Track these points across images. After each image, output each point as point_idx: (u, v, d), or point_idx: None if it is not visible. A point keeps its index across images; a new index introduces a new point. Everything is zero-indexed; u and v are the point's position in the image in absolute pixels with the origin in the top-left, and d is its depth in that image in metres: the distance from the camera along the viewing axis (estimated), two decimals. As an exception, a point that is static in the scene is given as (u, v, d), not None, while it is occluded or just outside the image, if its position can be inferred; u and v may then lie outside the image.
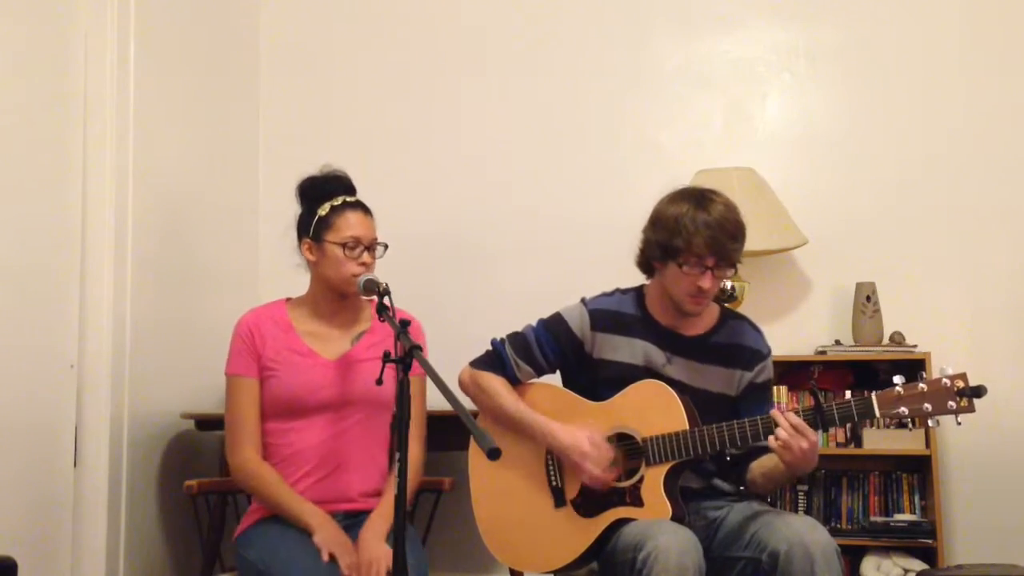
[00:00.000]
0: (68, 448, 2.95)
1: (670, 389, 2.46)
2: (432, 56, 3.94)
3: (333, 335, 2.66)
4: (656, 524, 2.30)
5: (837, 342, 3.51)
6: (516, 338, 2.65)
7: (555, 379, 2.69)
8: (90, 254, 3.02)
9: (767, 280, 3.59)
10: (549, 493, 2.56)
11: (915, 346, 3.39)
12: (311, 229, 2.62)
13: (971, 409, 2.26)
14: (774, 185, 3.51)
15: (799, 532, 2.24)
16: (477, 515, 2.66)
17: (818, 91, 3.73)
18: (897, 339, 3.41)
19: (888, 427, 3.33)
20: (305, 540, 2.42)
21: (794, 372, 3.48)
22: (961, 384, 2.26)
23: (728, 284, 3.36)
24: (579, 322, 2.58)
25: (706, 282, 2.43)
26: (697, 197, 2.46)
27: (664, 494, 2.40)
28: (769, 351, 2.62)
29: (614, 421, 2.50)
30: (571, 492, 2.54)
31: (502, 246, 3.80)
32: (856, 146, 3.66)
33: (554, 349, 2.61)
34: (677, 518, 2.37)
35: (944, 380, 2.27)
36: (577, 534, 2.49)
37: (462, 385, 2.65)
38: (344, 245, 2.58)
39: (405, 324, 2.24)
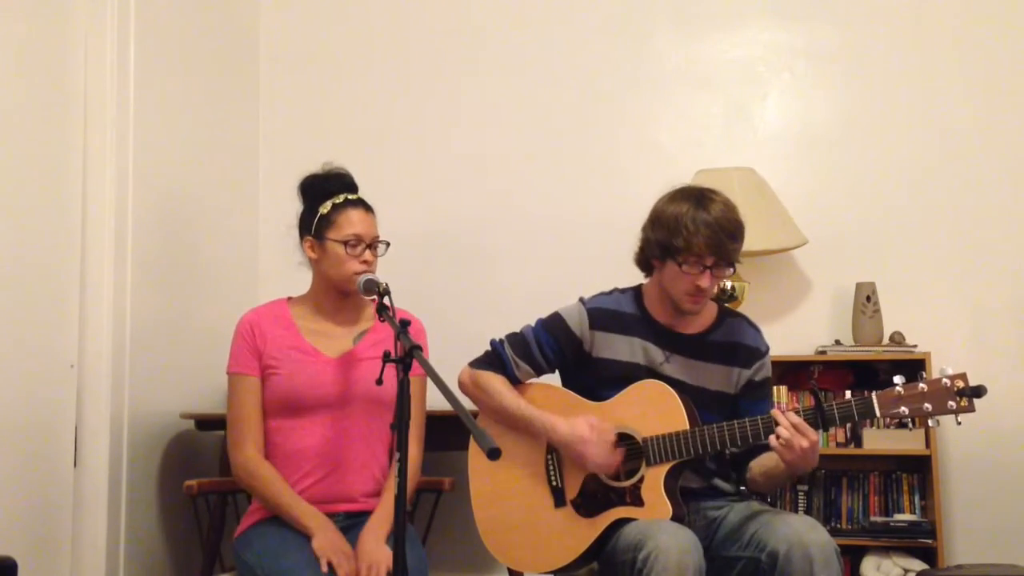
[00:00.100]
0: (68, 448, 2.95)
1: (670, 389, 2.47)
2: (432, 56, 3.94)
3: (336, 333, 2.66)
4: (656, 524, 2.30)
5: (837, 342, 3.51)
6: (515, 338, 2.66)
7: (554, 379, 2.69)
8: (90, 254, 3.02)
9: (767, 280, 3.60)
10: (549, 493, 2.56)
11: (915, 346, 3.39)
12: (313, 227, 2.62)
13: (971, 409, 2.27)
14: (774, 185, 3.51)
15: (798, 532, 2.24)
16: (477, 515, 2.65)
17: (818, 91, 3.73)
18: (897, 339, 3.41)
19: (888, 427, 3.33)
20: (305, 544, 2.42)
21: (794, 372, 3.48)
22: (961, 384, 2.26)
23: (728, 284, 3.37)
24: (578, 321, 2.59)
25: (705, 281, 2.43)
26: (697, 196, 2.46)
27: (664, 494, 2.40)
28: (767, 349, 2.62)
29: (614, 421, 2.50)
30: (571, 492, 2.54)
31: (502, 246, 3.80)
32: (856, 146, 3.66)
33: (553, 348, 2.61)
34: (677, 518, 2.38)
35: (944, 380, 2.27)
36: (577, 534, 2.49)
37: (462, 385, 2.65)
38: (346, 243, 2.58)
39: (405, 324, 2.24)
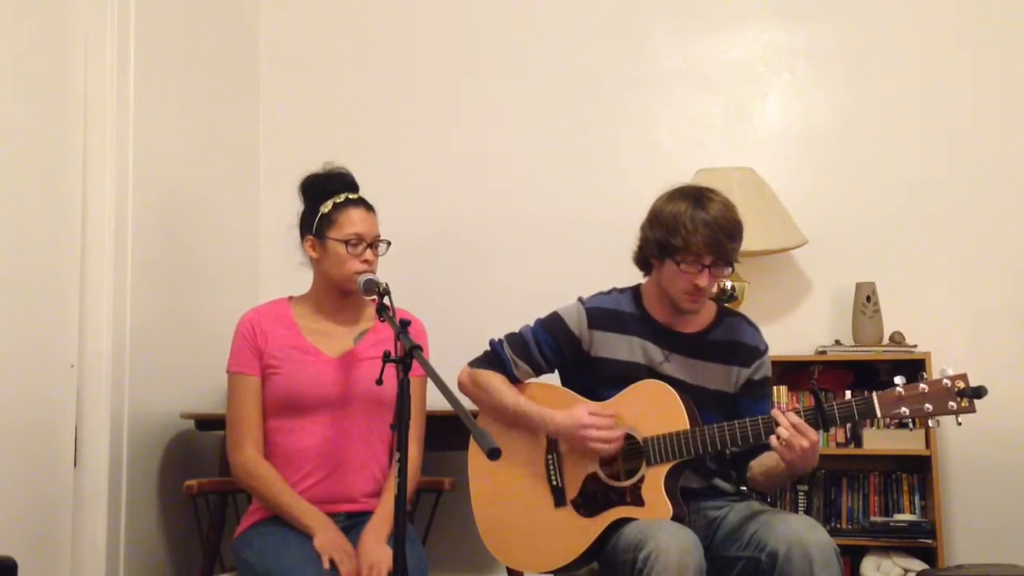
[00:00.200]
0: (68, 448, 2.95)
1: (671, 389, 2.47)
2: (431, 56, 3.94)
3: (336, 332, 2.66)
4: (657, 524, 2.30)
5: (837, 342, 3.51)
6: (514, 338, 2.66)
7: (554, 379, 2.69)
8: (90, 254, 3.02)
9: (767, 280, 3.60)
10: (549, 493, 2.56)
11: (915, 346, 3.39)
12: (314, 226, 2.62)
13: (972, 409, 2.27)
14: (774, 185, 3.51)
15: (798, 532, 2.24)
16: (477, 515, 2.65)
17: (818, 91, 3.73)
18: (897, 339, 3.41)
19: (888, 427, 3.33)
20: (305, 543, 2.42)
21: (794, 372, 3.48)
22: (962, 384, 2.26)
23: (728, 284, 3.37)
24: (577, 320, 2.59)
25: (703, 280, 2.44)
26: (695, 196, 2.46)
27: (665, 494, 2.40)
28: (766, 348, 2.62)
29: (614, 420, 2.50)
30: (571, 492, 2.54)
31: (502, 246, 3.80)
32: (856, 146, 3.66)
33: (552, 348, 2.61)
34: (677, 518, 2.38)
35: (945, 381, 2.27)
36: (577, 534, 2.49)
37: (461, 385, 2.65)
38: (347, 242, 2.58)
39: (405, 324, 2.24)
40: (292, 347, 2.61)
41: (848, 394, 3.32)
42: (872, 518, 3.35)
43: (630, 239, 2.60)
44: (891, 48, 3.68)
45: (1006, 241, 3.53)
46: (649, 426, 2.46)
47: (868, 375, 3.43)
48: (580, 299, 2.64)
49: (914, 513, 3.35)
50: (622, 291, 2.65)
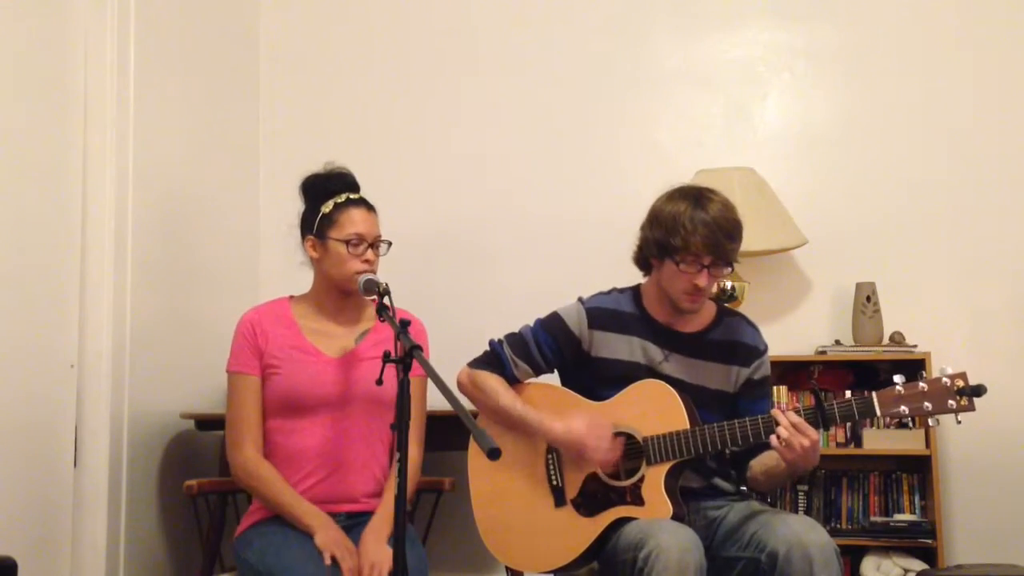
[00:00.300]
0: (68, 448, 2.95)
1: (671, 388, 2.47)
2: (431, 56, 3.94)
3: (337, 332, 2.66)
4: (657, 523, 2.30)
5: (837, 342, 3.51)
6: (514, 338, 2.66)
7: (554, 379, 2.69)
8: (90, 254, 3.02)
9: (767, 280, 3.60)
10: (549, 493, 2.56)
11: (915, 346, 3.39)
12: (315, 226, 2.62)
13: (971, 408, 2.27)
14: (774, 185, 3.51)
15: (798, 533, 2.24)
16: (477, 516, 2.65)
17: (818, 91, 3.73)
18: (897, 339, 3.41)
19: (888, 427, 3.34)
20: (306, 542, 2.42)
21: (794, 372, 3.48)
22: (961, 383, 2.27)
23: (728, 284, 3.37)
24: (577, 320, 2.59)
25: (702, 280, 2.44)
26: (695, 196, 2.46)
27: (665, 493, 2.40)
28: (766, 347, 2.62)
29: (614, 420, 2.50)
30: (571, 492, 2.54)
31: (502, 246, 3.80)
32: (856, 146, 3.66)
33: (552, 348, 2.61)
34: (677, 517, 2.38)
35: (944, 379, 2.28)
36: (577, 534, 2.49)
37: (460, 386, 2.65)
38: (348, 242, 2.58)
39: (405, 324, 2.24)
40: (292, 347, 2.60)
41: (848, 394, 3.32)
42: (872, 518, 3.35)
43: (630, 239, 2.60)
44: (891, 48, 3.68)
45: (1006, 241, 3.53)
46: (649, 426, 2.46)
47: (868, 375, 3.43)
48: (580, 299, 2.64)
49: (914, 513, 3.35)
50: (622, 291, 2.65)
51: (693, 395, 2.50)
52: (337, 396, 2.58)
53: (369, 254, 2.59)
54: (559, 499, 2.54)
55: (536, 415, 2.54)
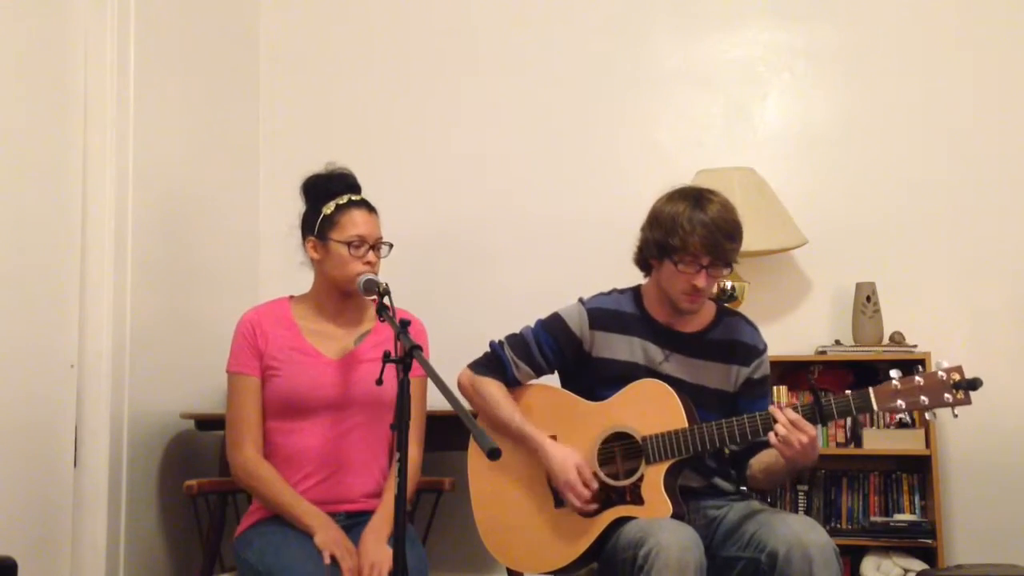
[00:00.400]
0: (68, 448, 2.95)
1: (669, 388, 2.47)
2: (431, 56, 3.94)
3: (337, 334, 2.66)
4: (657, 521, 2.30)
5: (837, 342, 3.51)
6: (515, 339, 2.66)
7: (554, 379, 2.69)
8: (90, 254, 3.02)
9: (767, 280, 3.60)
10: (549, 493, 2.56)
11: (915, 346, 3.39)
12: (316, 228, 2.61)
13: (967, 401, 2.27)
14: (774, 185, 3.51)
15: (797, 533, 2.24)
16: (477, 516, 2.65)
17: (818, 91, 3.73)
18: (897, 339, 3.41)
19: (888, 427, 3.34)
20: (306, 542, 2.42)
21: (794, 372, 3.48)
22: (957, 377, 2.27)
23: (728, 284, 3.37)
24: (578, 321, 2.59)
25: (701, 280, 2.44)
26: (695, 196, 2.47)
27: (664, 492, 2.40)
28: (765, 347, 2.62)
29: (613, 421, 2.50)
30: (571, 492, 2.54)
31: (502, 246, 3.80)
32: (856, 146, 3.66)
33: (553, 349, 2.61)
34: (677, 516, 2.38)
35: (940, 373, 2.28)
36: (577, 534, 2.49)
37: (461, 388, 2.65)
38: (349, 244, 2.57)
39: (405, 324, 2.24)
40: (292, 348, 2.60)
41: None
42: (872, 518, 3.35)
43: (630, 239, 2.60)
44: (891, 48, 3.68)
45: (1006, 241, 3.53)
46: (648, 425, 2.46)
47: (868, 375, 3.43)
48: (581, 300, 2.65)
49: (914, 513, 3.35)
50: (622, 292, 2.66)
51: (693, 395, 2.50)
52: (337, 398, 2.57)
53: (370, 256, 2.59)
54: (559, 499, 2.54)
55: (533, 434, 2.54)
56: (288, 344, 2.61)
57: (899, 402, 2.29)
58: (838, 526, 3.38)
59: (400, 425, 2.08)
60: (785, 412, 2.31)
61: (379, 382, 2.26)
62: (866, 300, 3.42)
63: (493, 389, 2.62)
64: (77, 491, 2.95)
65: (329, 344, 2.63)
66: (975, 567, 3.07)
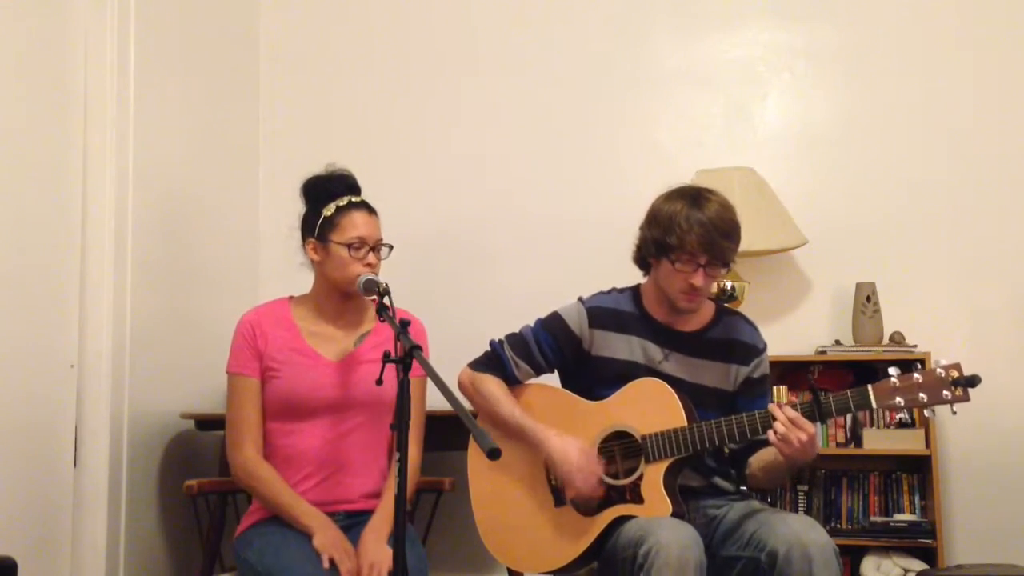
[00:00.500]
0: (68, 448, 2.95)
1: (668, 387, 2.47)
2: (431, 56, 3.94)
3: (337, 335, 2.65)
4: (657, 520, 2.30)
5: (837, 342, 3.51)
6: (514, 338, 2.66)
7: (553, 380, 2.69)
8: (90, 254, 3.02)
9: (767, 280, 3.60)
10: (549, 492, 2.56)
11: (915, 346, 3.39)
12: (316, 229, 2.61)
13: (966, 399, 2.27)
14: (774, 185, 3.51)
15: (797, 532, 2.24)
16: (477, 516, 2.65)
17: (818, 91, 3.73)
18: (897, 339, 3.41)
19: (888, 427, 3.34)
20: (305, 543, 2.42)
21: (794, 372, 3.48)
22: (955, 374, 2.27)
23: (728, 284, 3.37)
24: (577, 320, 2.59)
25: (698, 279, 2.44)
26: (693, 195, 2.47)
27: (664, 491, 2.40)
28: (765, 346, 2.62)
29: (612, 420, 2.51)
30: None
31: (502, 246, 3.80)
32: (856, 146, 3.67)
33: (553, 348, 2.61)
34: (677, 515, 2.38)
35: (939, 370, 2.28)
36: (577, 533, 2.49)
37: (461, 387, 2.65)
38: (349, 246, 2.57)
39: (405, 324, 2.24)
40: (292, 349, 2.60)
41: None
42: (872, 518, 3.35)
43: (630, 239, 2.60)
44: (891, 48, 3.68)
45: (1006, 241, 3.53)
46: (647, 424, 2.46)
47: (868, 375, 3.42)
48: (580, 299, 2.65)
49: (914, 513, 3.35)
50: (622, 291, 2.66)
51: (692, 394, 2.50)
52: (337, 399, 2.57)
53: (371, 257, 2.59)
54: (559, 499, 2.54)
55: (534, 426, 2.54)
56: (288, 345, 2.60)
57: (898, 399, 2.29)
58: (838, 526, 3.38)
59: (400, 425, 2.08)
60: (784, 410, 2.31)
61: (379, 382, 2.26)
62: (866, 300, 3.42)
63: (493, 387, 2.62)
64: (77, 491, 2.95)
65: (329, 346, 2.63)
66: (975, 567, 3.07)
